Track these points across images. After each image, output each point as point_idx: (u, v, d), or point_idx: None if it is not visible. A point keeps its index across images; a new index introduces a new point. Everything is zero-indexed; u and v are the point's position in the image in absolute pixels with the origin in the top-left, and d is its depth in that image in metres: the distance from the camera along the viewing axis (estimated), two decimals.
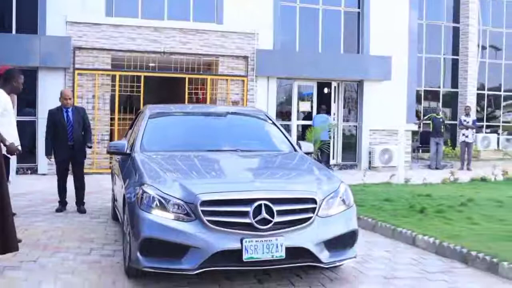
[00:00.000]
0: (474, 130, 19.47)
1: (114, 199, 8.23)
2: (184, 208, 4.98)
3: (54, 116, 9.43)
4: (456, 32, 23.80)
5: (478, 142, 21.58)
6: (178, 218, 4.98)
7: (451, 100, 24.05)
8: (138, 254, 5.03)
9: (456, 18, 23.76)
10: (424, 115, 22.51)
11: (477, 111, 23.78)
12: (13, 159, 8.42)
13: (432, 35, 23.21)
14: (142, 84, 15.70)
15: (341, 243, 5.32)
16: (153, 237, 4.96)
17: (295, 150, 6.96)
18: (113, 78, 15.68)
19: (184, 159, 6.22)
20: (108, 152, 7.26)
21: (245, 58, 16.74)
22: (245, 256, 4.85)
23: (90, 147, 9.76)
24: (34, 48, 14.73)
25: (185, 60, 16.33)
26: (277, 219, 4.96)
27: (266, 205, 4.95)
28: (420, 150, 21.82)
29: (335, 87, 18.23)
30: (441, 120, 19.39)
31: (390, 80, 17.84)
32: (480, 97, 24.34)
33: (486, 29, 23.66)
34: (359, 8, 18.21)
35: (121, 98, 16.22)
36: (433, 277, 5.79)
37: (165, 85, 19.41)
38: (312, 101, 18.20)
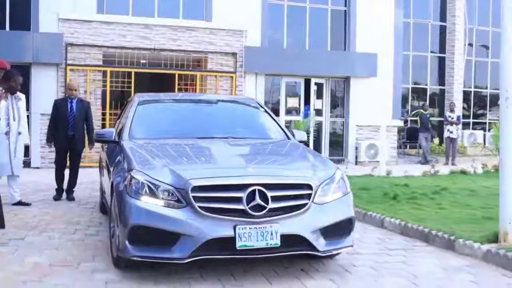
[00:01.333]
0: (459, 126, 19.93)
1: (102, 192, 8.11)
2: (175, 194, 4.82)
3: (58, 105, 9.78)
4: (443, 30, 24.27)
5: (464, 138, 22.02)
6: (168, 204, 4.81)
7: (438, 98, 24.50)
8: (127, 242, 4.84)
9: (443, 16, 24.24)
10: (411, 111, 22.94)
11: (464, 108, 24.21)
12: (20, 152, 8.85)
13: (419, 34, 23.68)
14: (133, 80, 16.16)
15: (338, 231, 5.17)
16: (142, 224, 4.79)
17: (288, 138, 6.77)
18: (104, 74, 16.16)
19: (174, 146, 6.00)
20: (95, 141, 7.02)
21: (234, 54, 17.17)
22: (238, 244, 4.69)
23: (90, 148, 10.32)
24: (27, 45, 15.16)
25: (175, 56, 16.78)
26: (271, 205, 4.80)
27: (260, 191, 4.78)
28: (408, 146, 22.27)
29: (322, 83, 18.63)
30: (428, 115, 19.83)
31: (375, 76, 18.29)
32: (467, 95, 24.79)
33: (472, 27, 24.09)
34: (345, 6, 18.67)
35: (113, 93, 16.62)
36: (394, 253, 6.21)
37: (155, 81, 19.82)
38: (299, 97, 18.60)
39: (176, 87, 16.52)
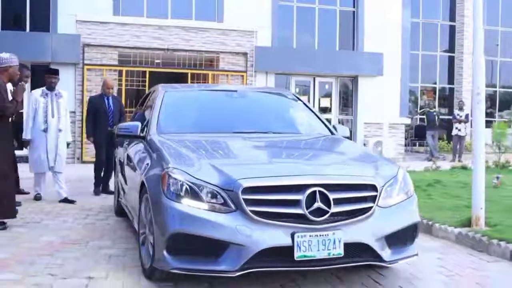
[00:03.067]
0: (468, 124, 20.32)
1: (117, 192, 7.48)
2: (221, 196, 4.18)
3: (96, 102, 10.09)
4: (452, 30, 24.65)
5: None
6: (214, 208, 4.16)
7: (447, 96, 24.89)
8: (165, 252, 4.25)
9: (452, 16, 24.62)
10: (420, 109, 23.37)
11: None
12: (62, 150, 8.99)
13: (428, 33, 24.11)
14: (147, 79, 16.83)
15: (402, 238, 4.57)
16: (183, 231, 4.16)
17: (332, 133, 6.17)
18: (120, 73, 16.84)
19: (211, 142, 5.33)
20: (118, 135, 6.36)
21: (245, 54, 17.79)
22: (297, 254, 4.07)
23: None
24: (46, 45, 15.91)
25: (187, 56, 17.44)
26: (333, 209, 4.18)
27: (321, 192, 4.17)
28: (417, 144, 22.69)
29: (331, 82, 19.18)
30: (434, 113, 20.24)
31: (382, 75, 18.76)
32: None
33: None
34: (354, 7, 19.22)
35: (128, 92, 17.29)
36: None
37: (169, 80, 20.22)
38: (309, 96, 19.15)
39: None
